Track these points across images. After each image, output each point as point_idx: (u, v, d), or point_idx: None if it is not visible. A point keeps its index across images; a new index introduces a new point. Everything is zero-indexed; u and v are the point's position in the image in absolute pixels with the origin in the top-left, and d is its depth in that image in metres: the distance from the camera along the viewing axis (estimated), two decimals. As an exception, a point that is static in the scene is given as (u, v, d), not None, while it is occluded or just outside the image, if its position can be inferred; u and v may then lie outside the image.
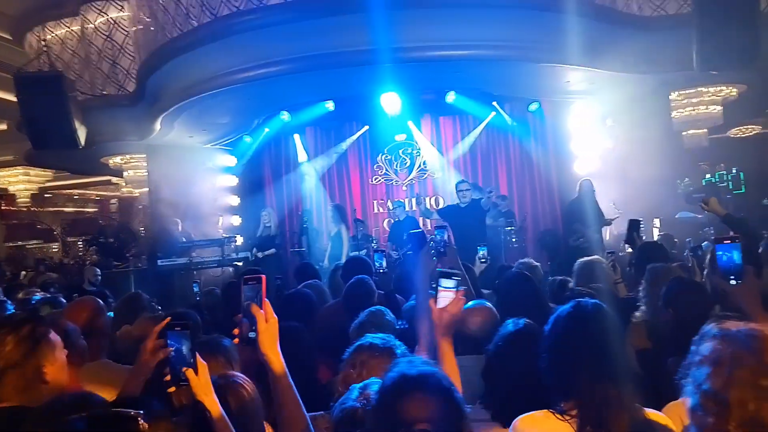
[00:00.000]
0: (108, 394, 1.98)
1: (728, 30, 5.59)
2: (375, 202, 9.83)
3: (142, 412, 1.00)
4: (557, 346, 1.61)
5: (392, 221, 9.14)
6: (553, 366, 1.61)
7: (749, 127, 13.81)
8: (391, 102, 8.06)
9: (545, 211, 9.31)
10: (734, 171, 11.80)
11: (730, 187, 11.49)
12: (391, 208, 9.18)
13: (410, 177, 9.80)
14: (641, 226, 4.58)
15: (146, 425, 0.99)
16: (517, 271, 3.55)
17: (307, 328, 2.76)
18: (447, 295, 1.75)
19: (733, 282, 1.80)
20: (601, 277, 3.57)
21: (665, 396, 1.68)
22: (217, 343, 2.02)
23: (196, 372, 1.54)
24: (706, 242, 5.19)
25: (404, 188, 9.78)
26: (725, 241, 1.83)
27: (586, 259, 3.85)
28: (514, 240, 8.07)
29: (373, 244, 8.41)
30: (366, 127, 9.60)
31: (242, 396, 1.71)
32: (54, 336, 1.79)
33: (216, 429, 1.53)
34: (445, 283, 1.75)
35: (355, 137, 9.68)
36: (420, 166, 9.76)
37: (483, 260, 4.59)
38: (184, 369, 1.52)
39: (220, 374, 1.80)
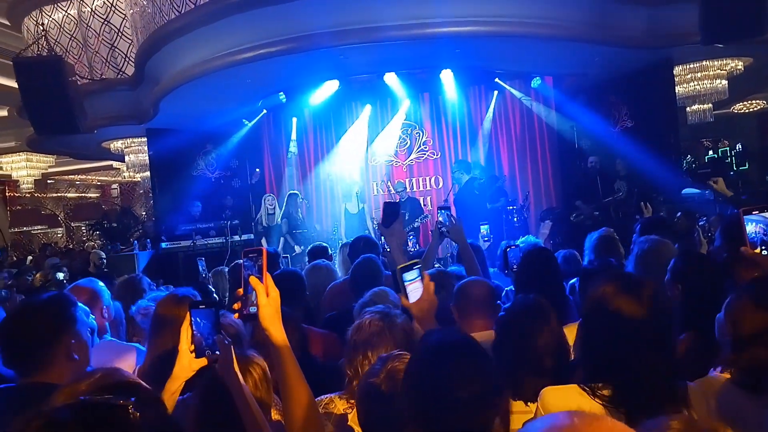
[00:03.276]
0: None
1: (734, 2, 5.47)
2: (375, 183, 9.81)
3: (133, 399, 0.92)
4: (595, 321, 1.54)
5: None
6: (587, 342, 1.54)
7: (754, 102, 13.66)
8: (394, 81, 7.99)
9: (547, 188, 9.29)
10: (738, 147, 11.68)
11: (734, 163, 11.39)
12: (392, 189, 9.17)
13: (410, 157, 9.75)
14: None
15: (137, 414, 0.91)
16: (540, 245, 3.47)
17: (296, 310, 2.72)
18: (415, 287, 1.78)
19: (764, 252, 1.74)
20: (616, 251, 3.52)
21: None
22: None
23: (217, 351, 1.55)
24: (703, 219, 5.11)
25: (404, 169, 9.75)
26: (755, 211, 1.77)
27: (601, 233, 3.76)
28: (515, 219, 8.06)
29: (374, 225, 8.43)
30: (368, 106, 9.51)
31: (254, 378, 1.73)
32: (80, 315, 1.82)
33: (238, 404, 1.53)
34: (408, 276, 1.79)
35: (362, 119, 9.57)
36: (420, 146, 9.71)
37: (486, 239, 4.58)
38: (217, 339, 1.54)
39: (237, 352, 1.81)
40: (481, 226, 4.65)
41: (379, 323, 1.86)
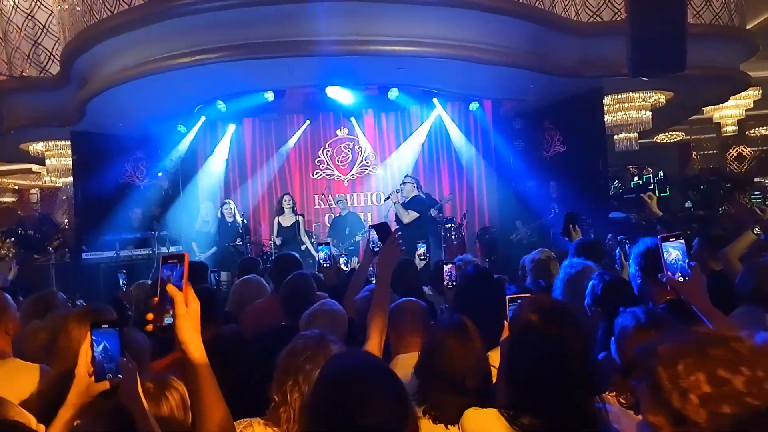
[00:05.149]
0: (17, 395, 1.82)
1: (659, 38, 5.83)
2: (316, 196, 9.70)
3: None
4: (520, 347, 1.55)
5: (332, 216, 9.04)
6: (510, 369, 1.55)
7: (674, 133, 14.65)
8: (338, 94, 7.94)
9: (482, 209, 9.48)
10: (661, 174, 12.44)
11: (657, 189, 12.09)
12: (332, 203, 9.09)
13: (352, 172, 9.73)
14: (578, 219, 4.69)
15: None
16: (480, 267, 3.48)
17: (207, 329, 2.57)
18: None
19: (680, 279, 1.79)
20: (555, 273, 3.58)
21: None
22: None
23: (120, 374, 1.43)
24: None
25: (346, 183, 9.71)
26: (671, 239, 1.83)
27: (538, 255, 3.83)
28: (453, 237, 8.17)
29: (312, 239, 8.29)
30: (308, 122, 9.46)
31: (170, 404, 1.61)
32: None
33: None
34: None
35: (298, 134, 9.51)
36: (362, 161, 9.71)
37: (422, 258, 4.59)
38: (120, 362, 1.42)
39: (154, 375, 1.68)
40: (418, 245, 4.65)
41: (313, 348, 1.79)
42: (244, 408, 1.73)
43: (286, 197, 8.24)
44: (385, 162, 9.61)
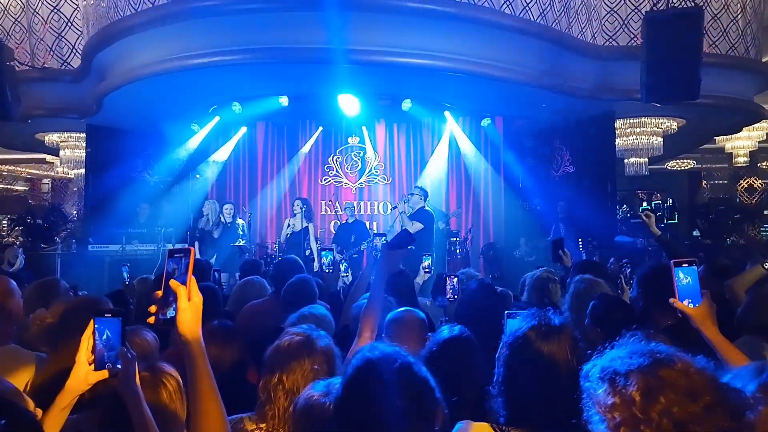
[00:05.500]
0: (16, 381, 1.84)
1: (674, 66, 5.85)
2: (323, 202, 9.73)
3: (2, 422, 0.85)
4: (516, 363, 1.55)
5: (339, 223, 9.06)
6: (504, 383, 1.55)
7: (685, 160, 14.61)
8: (349, 103, 7.98)
9: (486, 224, 9.47)
10: (669, 202, 12.44)
11: (665, 217, 12.06)
12: (339, 210, 9.11)
13: (360, 180, 9.76)
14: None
15: None
16: (483, 281, 3.50)
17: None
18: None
19: (690, 305, 1.77)
20: (553, 292, 3.60)
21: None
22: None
23: (119, 364, 1.45)
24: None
25: (353, 191, 9.74)
26: (684, 264, 1.79)
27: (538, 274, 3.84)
28: (457, 251, 8.17)
29: (317, 244, 8.31)
30: (320, 129, 9.52)
31: (168, 390, 1.63)
32: None
33: (135, 423, 1.43)
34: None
35: (312, 140, 9.55)
36: (371, 170, 9.74)
37: (427, 270, 4.59)
38: (120, 352, 1.44)
39: (147, 364, 1.71)
40: (424, 258, 4.65)
41: (298, 345, 1.79)
42: (236, 402, 1.75)
43: (297, 201, 8.26)
44: (394, 173, 9.64)
